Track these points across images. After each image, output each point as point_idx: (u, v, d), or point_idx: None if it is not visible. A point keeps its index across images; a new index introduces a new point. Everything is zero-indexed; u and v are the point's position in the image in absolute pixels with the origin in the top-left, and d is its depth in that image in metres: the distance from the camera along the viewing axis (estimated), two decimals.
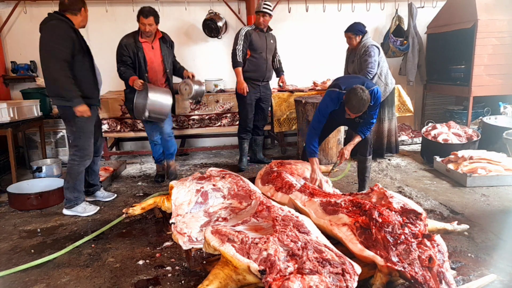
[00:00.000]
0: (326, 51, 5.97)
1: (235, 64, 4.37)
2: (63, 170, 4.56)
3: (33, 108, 4.49)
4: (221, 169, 3.24)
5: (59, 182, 3.82)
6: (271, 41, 4.54)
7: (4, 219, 3.35)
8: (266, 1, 4.30)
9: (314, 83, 5.51)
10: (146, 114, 3.66)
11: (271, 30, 4.54)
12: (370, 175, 3.64)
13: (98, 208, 3.46)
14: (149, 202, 2.91)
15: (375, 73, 4.28)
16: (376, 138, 4.80)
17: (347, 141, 4.12)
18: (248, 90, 4.38)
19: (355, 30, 4.24)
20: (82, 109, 3.11)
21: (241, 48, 4.32)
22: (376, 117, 3.33)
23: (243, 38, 4.32)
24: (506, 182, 3.73)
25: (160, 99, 3.73)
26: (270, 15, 4.31)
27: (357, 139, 3.35)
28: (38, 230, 3.09)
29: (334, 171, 3.53)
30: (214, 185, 2.92)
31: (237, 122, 5.09)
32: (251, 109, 4.52)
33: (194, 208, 2.74)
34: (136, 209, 2.85)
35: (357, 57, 4.29)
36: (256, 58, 4.40)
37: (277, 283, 1.60)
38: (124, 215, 2.86)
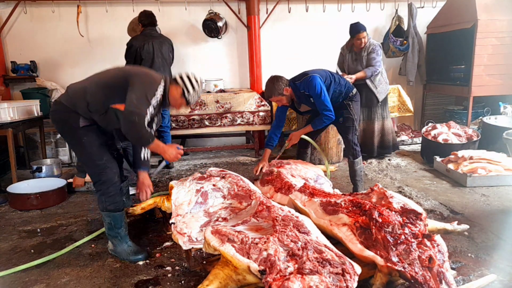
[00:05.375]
0: (326, 51, 5.96)
1: None
2: (63, 170, 4.57)
3: (33, 108, 4.49)
4: (221, 169, 3.24)
5: (59, 182, 3.82)
6: None
7: (4, 219, 3.35)
8: None
9: None
10: None
11: None
12: (362, 178, 3.50)
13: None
14: (149, 202, 2.90)
15: (380, 70, 4.37)
16: (381, 137, 4.86)
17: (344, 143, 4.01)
18: None
19: (365, 28, 4.33)
20: None
21: None
22: (327, 112, 3.16)
23: None
24: (506, 182, 3.73)
25: None
26: None
27: (308, 128, 3.33)
28: (38, 230, 3.09)
29: (280, 153, 3.63)
30: (214, 185, 2.92)
31: (237, 122, 5.11)
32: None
33: (194, 208, 2.74)
34: (136, 209, 2.85)
35: (363, 55, 4.41)
36: None
37: (277, 283, 1.60)
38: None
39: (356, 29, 4.31)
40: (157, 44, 4.39)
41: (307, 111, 3.49)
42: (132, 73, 2.38)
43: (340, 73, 4.50)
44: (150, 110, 2.27)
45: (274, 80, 3.16)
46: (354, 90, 3.43)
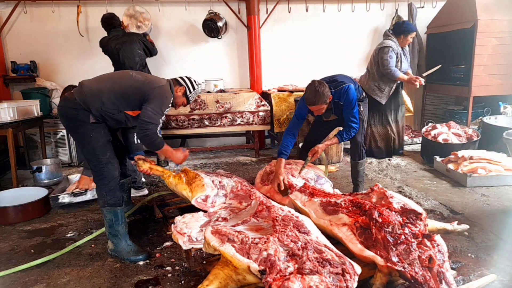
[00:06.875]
0: (326, 51, 5.97)
1: None
2: (63, 170, 4.57)
3: (33, 108, 4.49)
4: (228, 172, 3.28)
5: (41, 192, 3.54)
6: None
7: None
8: None
9: None
10: None
11: None
12: (363, 179, 3.50)
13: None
14: (158, 168, 2.91)
15: None
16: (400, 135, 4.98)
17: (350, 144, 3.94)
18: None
19: None
20: None
21: None
22: (355, 125, 3.11)
23: None
24: (506, 182, 3.73)
25: None
26: None
27: (334, 140, 3.19)
28: (37, 231, 3.09)
29: (304, 167, 3.30)
30: (220, 181, 2.99)
31: (237, 122, 5.11)
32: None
33: (217, 194, 2.87)
34: (146, 165, 2.85)
35: (407, 53, 4.59)
36: None
37: (277, 283, 1.60)
38: (133, 162, 2.92)
39: (413, 27, 4.39)
40: (119, 45, 4.43)
41: (331, 120, 3.36)
42: (149, 88, 2.58)
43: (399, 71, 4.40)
44: (163, 118, 2.60)
45: (322, 86, 2.90)
46: (364, 93, 3.46)
